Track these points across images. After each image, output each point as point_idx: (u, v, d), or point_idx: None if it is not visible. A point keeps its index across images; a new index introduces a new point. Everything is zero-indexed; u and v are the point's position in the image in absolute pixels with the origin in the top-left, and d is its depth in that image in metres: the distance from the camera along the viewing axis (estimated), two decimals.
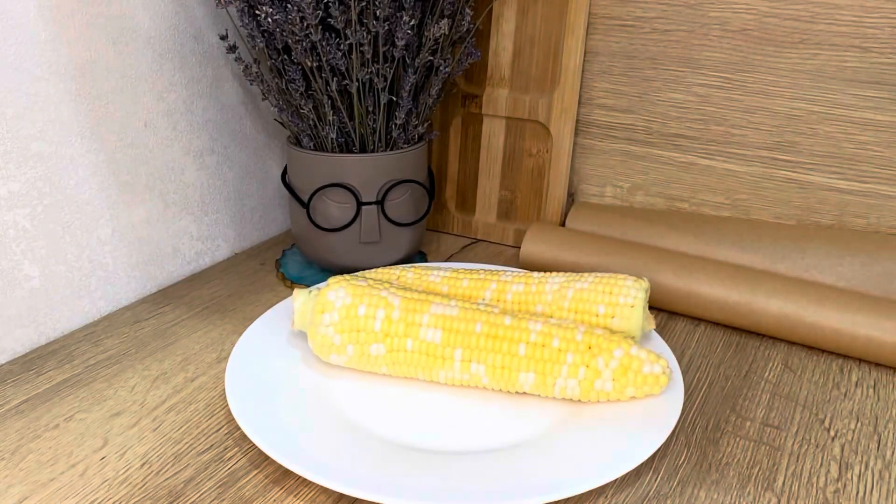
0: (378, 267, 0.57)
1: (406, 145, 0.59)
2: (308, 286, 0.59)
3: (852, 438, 0.44)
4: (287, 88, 0.57)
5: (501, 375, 0.44)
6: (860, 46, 0.56)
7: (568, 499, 0.38)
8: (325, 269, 0.63)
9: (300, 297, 0.48)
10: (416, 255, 0.67)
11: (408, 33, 0.54)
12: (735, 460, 0.42)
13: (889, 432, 0.45)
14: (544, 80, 0.66)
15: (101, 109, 0.54)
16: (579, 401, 0.44)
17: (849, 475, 0.41)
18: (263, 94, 0.59)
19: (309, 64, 0.54)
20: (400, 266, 0.56)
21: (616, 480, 0.40)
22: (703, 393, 0.48)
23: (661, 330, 0.56)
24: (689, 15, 0.60)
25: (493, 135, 0.70)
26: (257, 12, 0.52)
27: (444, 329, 0.44)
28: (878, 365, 0.52)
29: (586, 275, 0.50)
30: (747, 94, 0.60)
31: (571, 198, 0.70)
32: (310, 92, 0.57)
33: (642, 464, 0.40)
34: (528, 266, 0.64)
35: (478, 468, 0.39)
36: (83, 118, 0.53)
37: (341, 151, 0.58)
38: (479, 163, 0.71)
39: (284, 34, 0.53)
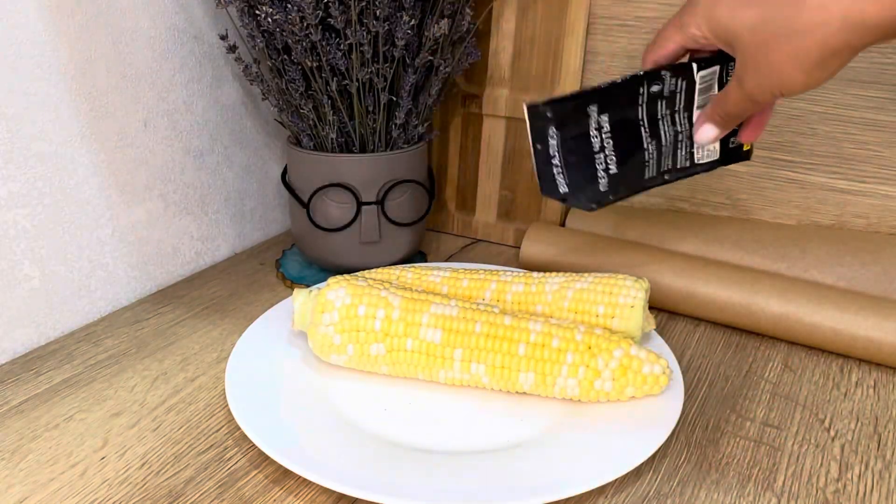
0: (378, 267, 0.57)
1: (406, 145, 0.59)
2: (308, 286, 0.59)
3: (852, 438, 0.44)
4: (287, 88, 0.57)
5: (501, 375, 0.44)
6: None
7: (568, 499, 0.38)
8: (325, 269, 0.63)
9: (300, 297, 0.48)
10: (416, 255, 0.67)
11: (408, 33, 0.53)
12: (735, 460, 0.42)
13: (889, 432, 0.45)
14: (544, 80, 0.66)
15: (100, 109, 0.54)
16: (579, 401, 0.44)
17: (849, 475, 0.41)
18: (263, 94, 0.59)
19: (309, 64, 0.54)
20: (400, 266, 0.56)
21: (616, 480, 0.40)
22: (703, 393, 0.48)
23: (661, 330, 0.56)
24: None
25: (493, 135, 0.70)
26: (257, 12, 0.52)
27: (443, 329, 0.44)
28: (878, 365, 0.52)
29: (586, 275, 0.50)
30: None
31: None
32: (310, 92, 0.57)
33: (642, 464, 0.39)
34: (528, 266, 0.64)
35: (478, 468, 0.39)
36: (83, 118, 0.53)
37: (341, 151, 0.58)
38: (479, 163, 0.71)
39: (284, 34, 0.53)
